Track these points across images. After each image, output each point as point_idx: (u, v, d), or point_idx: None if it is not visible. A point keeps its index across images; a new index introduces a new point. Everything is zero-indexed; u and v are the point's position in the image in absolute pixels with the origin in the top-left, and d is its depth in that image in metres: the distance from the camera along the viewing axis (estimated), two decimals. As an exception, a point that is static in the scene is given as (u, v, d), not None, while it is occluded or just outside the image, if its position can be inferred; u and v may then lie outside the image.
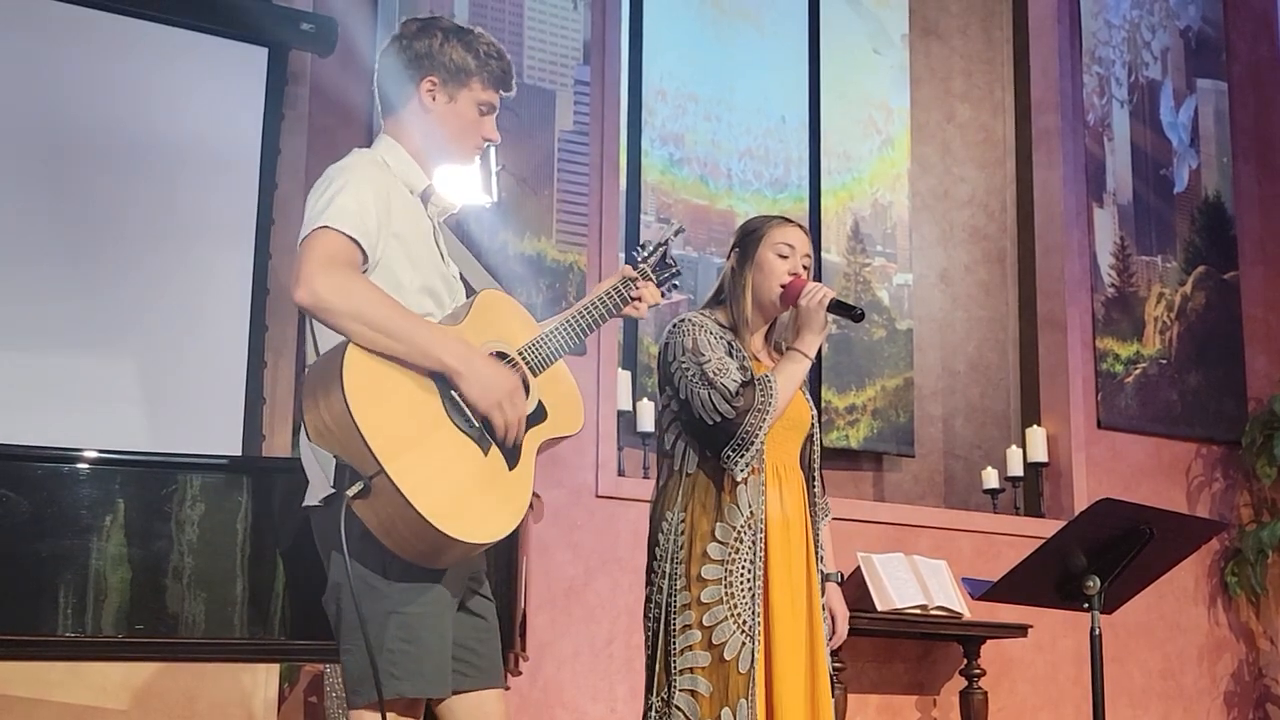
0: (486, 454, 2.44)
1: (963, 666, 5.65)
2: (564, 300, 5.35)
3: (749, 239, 3.22)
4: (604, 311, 2.75)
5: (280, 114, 4.74)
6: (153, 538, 2.73)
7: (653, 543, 3.14)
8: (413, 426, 2.37)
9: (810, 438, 3.25)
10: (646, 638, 3.12)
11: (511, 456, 2.48)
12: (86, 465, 2.74)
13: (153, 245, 4.49)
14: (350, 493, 2.30)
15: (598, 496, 5.40)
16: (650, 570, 3.13)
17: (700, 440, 3.09)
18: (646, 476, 5.52)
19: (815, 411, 3.28)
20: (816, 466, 3.27)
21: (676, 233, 2.97)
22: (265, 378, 4.58)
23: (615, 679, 5.32)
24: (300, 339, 4.77)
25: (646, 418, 5.52)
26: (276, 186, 4.71)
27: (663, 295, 2.86)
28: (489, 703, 2.61)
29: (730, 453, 3.03)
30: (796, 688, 3.04)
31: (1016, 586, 3.41)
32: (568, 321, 2.67)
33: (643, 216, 5.94)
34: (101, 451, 2.77)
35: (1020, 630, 5.68)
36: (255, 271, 4.61)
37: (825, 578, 3.24)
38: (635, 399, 5.60)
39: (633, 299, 2.79)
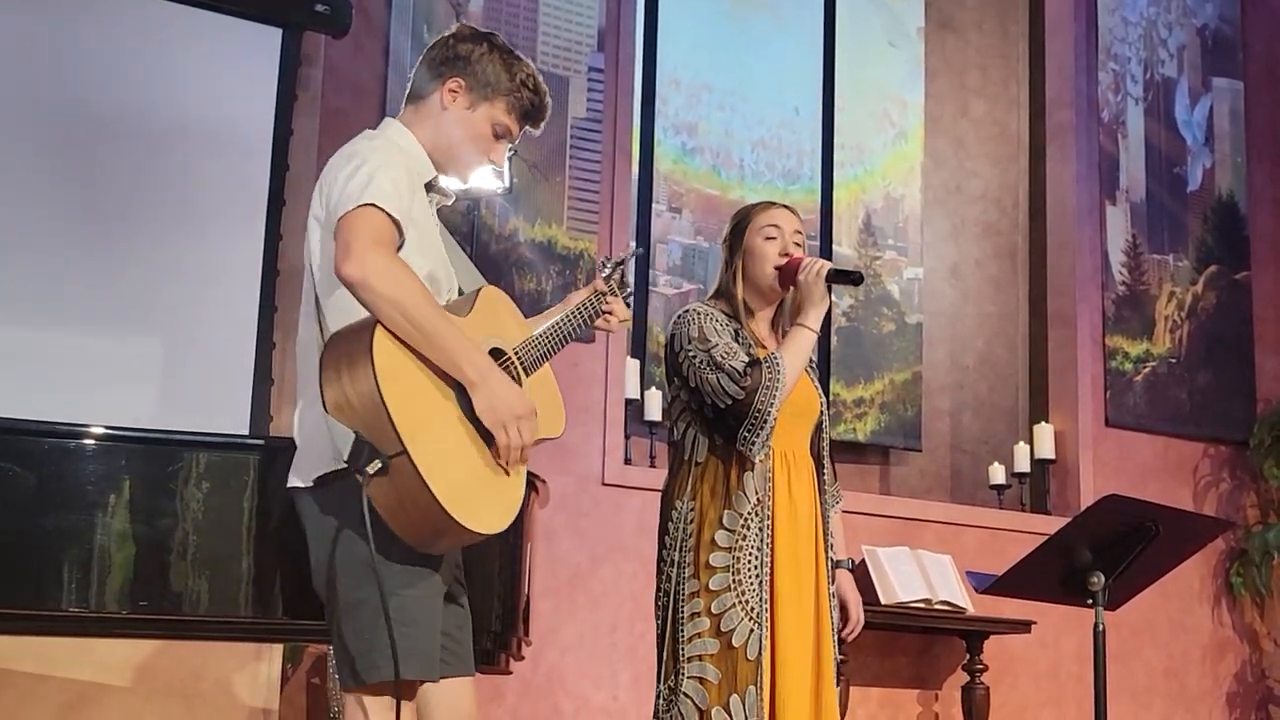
0: (490, 447, 2.47)
1: (965, 661, 5.65)
2: (574, 287, 5.34)
3: (736, 229, 3.25)
4: (583, 320, 2.83)
5: (293, 95, 4.74)
6: (158, 515, 2.73)
7: (662, 532, 3.15)
8: (430, 412, 2.40)
9: (819, 426, 3.25)
10: (657, 626, 3.12)
11: None
12: (93, 441, 2.74)
13: (164, 224, 4.49)
14: (371, 470, 2.32)
15: (604, 484, 5.40)
16: (660, 559, 3.14)
17: (713, 426, 3.10)
18: (653, 465, 5.53)
19: (824, 400, 3.28)
20: (826, 454, 3.27)
21: (634, 255, 3.14)
22: (274, 358, 4.58)
23: (618, 666, 5.33)
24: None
25: (654, 406, 5.52)
26: (288, 167, 4.71)
27: None
28: (464, 689, 2.65)
29: (745, 434, 3.03)
30: (801, 676, 3.04)
31: (1021, 580, 3.41)
32: (554, 327, 2.75)
33: (654, 205, 5.93)
34: (108, 428, 2.76)
35: (1023, 626, 5.67)
36: (266, 252, 4.61)
37: (836, 565, 3.25)
38: (643, 387, 5.60)
39: (604, 313, 2.89)
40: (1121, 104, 6.81)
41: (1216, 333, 6.81)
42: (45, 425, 2.77)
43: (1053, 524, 5.45)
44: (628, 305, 3.01)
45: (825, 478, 3.25)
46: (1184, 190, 6.91)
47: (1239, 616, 6.65)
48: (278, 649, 4.42)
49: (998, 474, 6.26)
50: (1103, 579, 3.25)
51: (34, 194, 4.33)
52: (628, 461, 5.53)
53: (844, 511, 3.40)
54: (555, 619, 5.20)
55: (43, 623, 2.80)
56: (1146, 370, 6.61)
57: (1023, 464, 6.29)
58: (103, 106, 4.45)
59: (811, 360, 3.24)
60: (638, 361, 5.63)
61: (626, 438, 5.54)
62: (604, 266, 2.96)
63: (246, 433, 4.34)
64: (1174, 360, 6.69)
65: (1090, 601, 3.27)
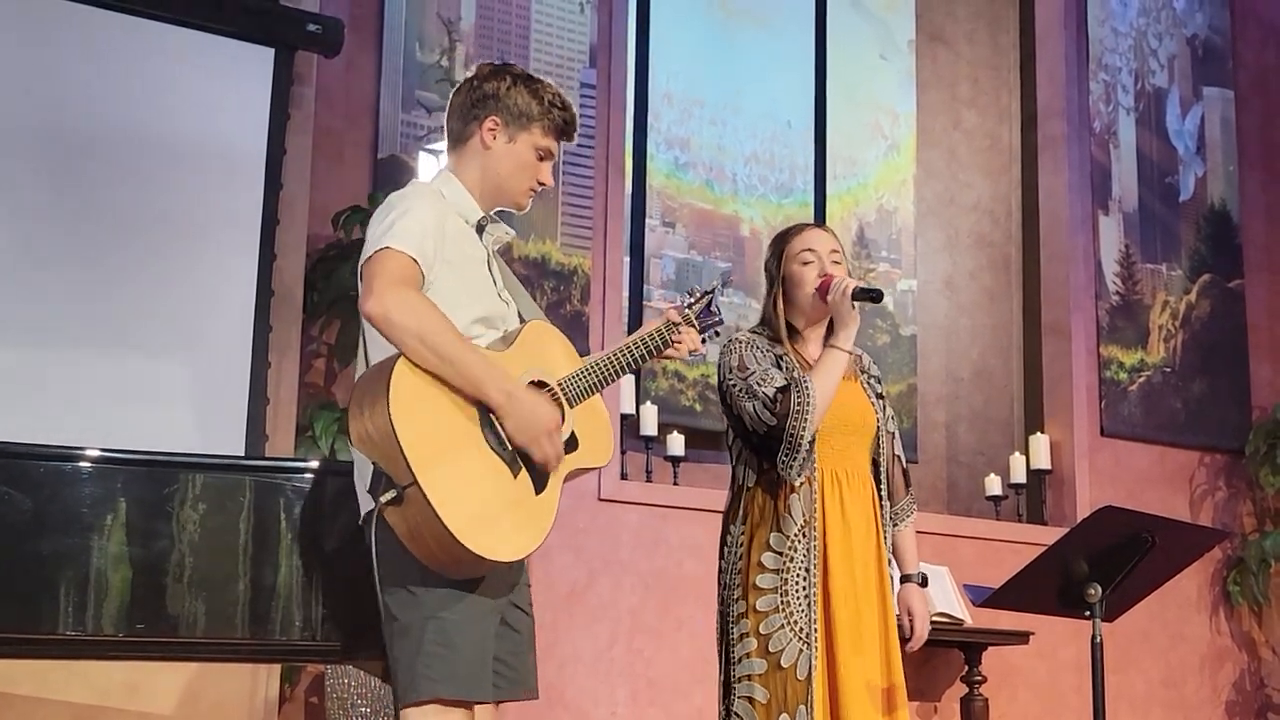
0: (516, 476, 2.53)
1: (964, 673, 5.64)
2: (568, 303, 5.35)
3: (773, 258, 3.30)
4: (645, 352, 2.84)
5: (286, 114, 4.74)
6: (154, 537, 2.73)
7: (720, 556, 3.21)
8: (449, 443, 2.47)
9: (878, 440, 3.27)
10: (718, 648, 3.17)
11: (539, 481, 2.59)
12: (89, 464, 2.75)
13: (157, 244, 4.49)
14: (384, 499, 2.42)
15: (600, 500, 5.40)
16: (719, 583, 3.20)
17: (757, 452, 3.15)
18: (649, 480, 5.53)
19: (882, 414, 3.29)
20: (884, 468, 3.28)
21: (724, 285, 3.12)
22: (269, 378, 4.58)
23: (616, 682, 5.32)
24: (304, 341, 4.79)
25: (649, 421, 5.53)
26: (282, 186, 4.71)
27: (703, 342, 2.96)
28: (486, 715, 2.68)
29: (783, 458, 3.07)
30: (860, 695, 3.04)
31: (1018, 593, 3.41)
32: (608, 358, 2.78)
33: (648, 220, 5.94)
34: (104, 450, 2.77)
35: (1022, 637, 5.67)
36: (260, 271, 4.60)
37: (905, 579, 3.30)
38: (639, 403, 5.60)
39: (674, 343, 2.89)
40: (1113, 114, 6.83)
41: (1211, 341, 6.82)
42: (41, 448, 2.77)
43: (1049, 534, 5.45)
44: (717, 334, 3.00)
45: (894, 492, 3.28)
46: (1176, 199, 6.93)
47: (1237, 625, 6.65)
48: (275, 669, 4.41)
49: (994, 485, 6.26)
50: (1100, 590, 3.25)
51: (26, 214, 4.33)
52: (624, 477, 5.53)
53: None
54: (553, 635, 5.19)
55: (39, 646, 2.80)
56: (1141, 380, 6.62)
57: (1019, 475, 6.30)
58: (96, 126, 4.45)
59: (873, 374, 3.30)
60: (632, 376, 5.63)
61: (623, 453, 5.54)
62: (689, 296, 2.98)
63: (242, 452, 4.34)
64: (1169, 369, 6.70)
65: (1087, 613, 3.27)
